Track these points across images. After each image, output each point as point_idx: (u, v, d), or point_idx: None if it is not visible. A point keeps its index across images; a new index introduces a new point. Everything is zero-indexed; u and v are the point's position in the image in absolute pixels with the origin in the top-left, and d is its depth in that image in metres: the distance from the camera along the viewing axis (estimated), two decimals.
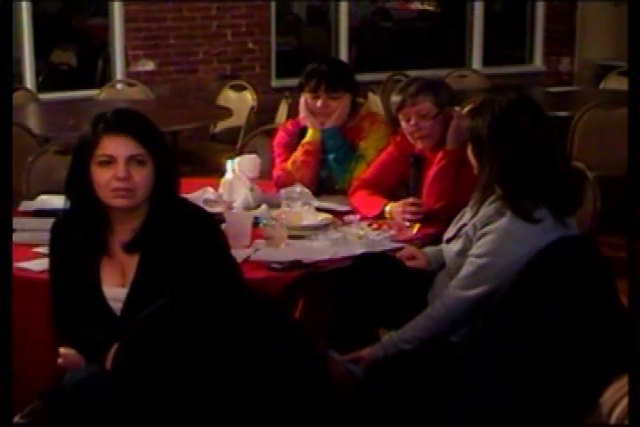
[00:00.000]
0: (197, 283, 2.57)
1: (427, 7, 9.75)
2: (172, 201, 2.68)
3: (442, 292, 2.97)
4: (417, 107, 3.59)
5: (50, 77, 7.79)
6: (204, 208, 2.88)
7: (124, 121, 2.61)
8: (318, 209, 3.63)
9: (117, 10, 7.37)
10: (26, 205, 3.82)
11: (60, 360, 2.68)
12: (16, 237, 3.25)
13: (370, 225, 3.51)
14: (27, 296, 2.91)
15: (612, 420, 1.28)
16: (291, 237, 3.33)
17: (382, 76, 7.26)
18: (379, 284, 3.04)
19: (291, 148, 4.03)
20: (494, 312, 2.77)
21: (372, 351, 2.91)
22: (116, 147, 2.56)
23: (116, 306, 2.64)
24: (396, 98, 3.65)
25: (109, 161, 2.57)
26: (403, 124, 3.64)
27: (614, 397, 1.29)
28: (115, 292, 2.65)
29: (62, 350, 2.67)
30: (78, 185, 2.62)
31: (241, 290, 2.64)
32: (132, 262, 2.65)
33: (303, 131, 4.03)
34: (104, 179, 2.57)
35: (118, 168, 2.55)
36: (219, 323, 2.19)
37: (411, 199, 3.58)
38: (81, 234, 2.66)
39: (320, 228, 3.45)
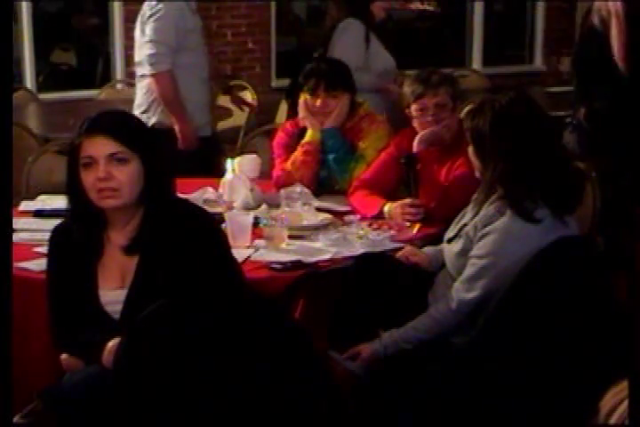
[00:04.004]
0: (198, 283, 2.57)
1: (427, 7, 9.73)
2: (168, 200, 2.67)
3: (442, 292, 2.97)
4: (437, 98, 3.59)
5: (50, 77, 7.79)
6: (204, 208, 2.88)
7: (102, 122, 2.62)
8: (318, 209, 3.63)
9: (117, 10, 7.37)
10: (26, 205, 3.83)
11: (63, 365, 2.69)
12: (16, 237, 3.25)
13: (370, 225, 3.51)
14: (27, 296, 2.91)
15: (611, 422, 1.27)
16: (291, 237, 3.33)
17: None
18: (379, 284, 3.04)
19: (290, 148, 4.03)
20: (495, 312, 2.77)
21: (372, 348, 2.91)
22: (95, 147, 2.57)
23: (113, 309, 2.63)
24: (412, 88, 3.63)
25: (91, 162, 2.57)
26: (416, 113, 3.63)
27: (614, 399, 1.29)
28: (112, 294, 2.64)
29: (63, 356, 2.67)
30: (73, 189, 2.63)
31: (241, 290, 2.64)
32: (131, 264, 2.64)
33: (302, 131, 4.03)
34: (89, 181, 2.58)
35: (99, 168, 2.56)
36: (219, 323, 2.19)
37: (408, 200, 3.58)
38: (79, 236, 2.66)
39: (320, 228, 3.45)
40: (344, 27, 5.21)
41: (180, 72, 4.87)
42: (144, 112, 4.96)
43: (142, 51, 4.93)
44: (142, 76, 5.01)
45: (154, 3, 4.86)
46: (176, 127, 4.83)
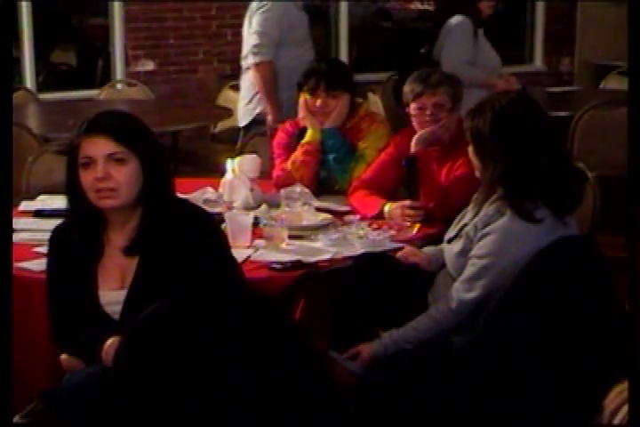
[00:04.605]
0: (198, 283, 2.57)
1: (427, 7, 9.73)
2: (167, 200, 2.67)
3: (442, 292, 2.97)
4: (435, 98, 3.59)
5: (50, 77, 7.78)
6: (204, 208, 2.88)
7: (101, 122, 2.62)
8: (318, 209, 3.63)
9: (117, 10, 7.37)
10: (26, 205, 3.83)
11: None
12: (16, 237, 3.25)
13: (370, 225, 3.51)
14: (27, 296, 2.91)
15: (616, 422, 1.28)
16: (291, 237, 3.33)
17: (382, 76, 7.25)
18: (379, 284, 3.04)
19: (290, 148, 4.03)
20: (495, 312, 2.77)
21: (372, 348, 2.91)
22: (94, 147, 2.57)
23: (113, 310, 2.63)
24: (411, 86, 3.63)
25: (89, 162, 2.57)
26: (414, 112, 3.63)
27: (617, 399, 1.29)
28: (112, 295, 2.64)
29: (63, 356, 2.67)
30: (73, 189, 2.63)
31: (241, 290, 2.64)
32: (131, 264, 2.64)
33: (302, 131, 4.03)
34: (88, 181, 2.58)
35: (97, 169, 2.56)
36: (219, 323, 2.19)
37: (408, 202, 3.57)
38: (79, 236, 2.66)
39: (320, 228, 3.45)
40: (453, 24, 5.38)
41: (284, 65, 5.11)
42: (248, 104, 5.12)
43: (248, 42, 5.19)
44: (247, 68, 5.20)
45: None
46: (268, 117, 5.03)
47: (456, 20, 5.39)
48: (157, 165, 2.64)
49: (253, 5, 5.24)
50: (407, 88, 3.66)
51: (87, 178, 2.58)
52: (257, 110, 5.15)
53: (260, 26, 5.12)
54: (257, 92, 5.16)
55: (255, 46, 5.11)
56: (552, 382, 2.69)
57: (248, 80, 5.23)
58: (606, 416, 1.28)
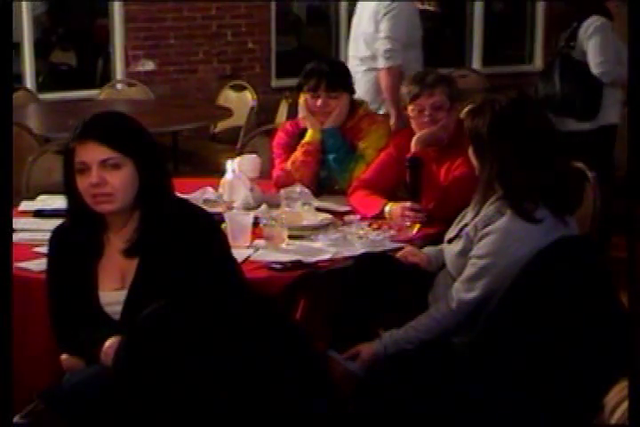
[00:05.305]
0: (198, 283, 2.57)
1: (427, 7, 9.73)
2: (166, 201, 2.67)
3: (442, 292, 2.97)
4: (433, 98, 3.59)
5: (50, 77, 7.79)
6: (204, 208, 2.88)
7: (94, 127, 2.60)
8: (318, 209, 3.63)
9: (117, 10, 7.36)
10: (26, 205, 3.83)
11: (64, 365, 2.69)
12: (16, 237, 3.25)
13: (370, 225, 3.51)
14: (27, 296, 2.91)
15: (613, 421, 1.28)
16: (291, 237, 3.33)
17: None
18: (379, 284, 3.04)
19: (290, 148, 4.03)
20: (495, 312, 2.77)
21: (373, 348, 2.91)
22: (87, 153, 2.56)
23: (113, 310, 2.63)
24: (408, 88, 3.63)
25: (84, 168, 2.57)
26: (413, 114, 3.63)
27: (616, 398, 1.30)
28: (112, 295, 2.64)
29: (64, 356, 2.67)
30: (70, 192, 2.63)
31: (241, 290, 2.64)
32: (131, 265, 2.64)
33: (302, 131, 4.03)
34: (84, 186, 2.58)
35: (92, 174, 2.56)
36: (219, 323, 2.19)
37: (409, 203, 3.57)
38: (79, 237, 2.66)
39: (320, 228, 3.45)
40: (593, 25, 5.38)
41: (407, 66, 5.22)
42: (370, 104, 5.23)
43: (376, 46, 5.29)
44: (368, 69, 5.34)
45: (387, 2, 5.27)
46: (392, 119, 5.09)
47: (596, 21, 5.39)
48: (153, 167, 2.63)
49: (380, 9, 5.30)
50: (404, 90, 3.66)
51: (83, 184, 2.58)
52: (381, 111, 5.25)
53: (391, 31, 5.24)
54: (380, 93, 5.28)
55: (387, 51, 5.23)
56: (552, 382, 2.69)
57: (369, 81, 5.33)
58: (607, 414, 1.28)
